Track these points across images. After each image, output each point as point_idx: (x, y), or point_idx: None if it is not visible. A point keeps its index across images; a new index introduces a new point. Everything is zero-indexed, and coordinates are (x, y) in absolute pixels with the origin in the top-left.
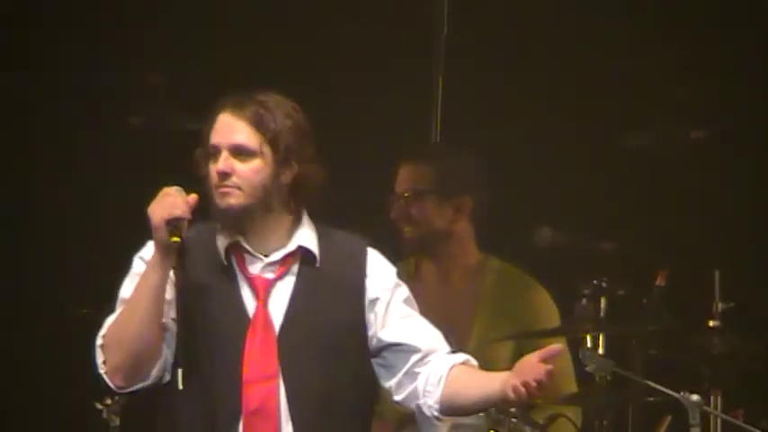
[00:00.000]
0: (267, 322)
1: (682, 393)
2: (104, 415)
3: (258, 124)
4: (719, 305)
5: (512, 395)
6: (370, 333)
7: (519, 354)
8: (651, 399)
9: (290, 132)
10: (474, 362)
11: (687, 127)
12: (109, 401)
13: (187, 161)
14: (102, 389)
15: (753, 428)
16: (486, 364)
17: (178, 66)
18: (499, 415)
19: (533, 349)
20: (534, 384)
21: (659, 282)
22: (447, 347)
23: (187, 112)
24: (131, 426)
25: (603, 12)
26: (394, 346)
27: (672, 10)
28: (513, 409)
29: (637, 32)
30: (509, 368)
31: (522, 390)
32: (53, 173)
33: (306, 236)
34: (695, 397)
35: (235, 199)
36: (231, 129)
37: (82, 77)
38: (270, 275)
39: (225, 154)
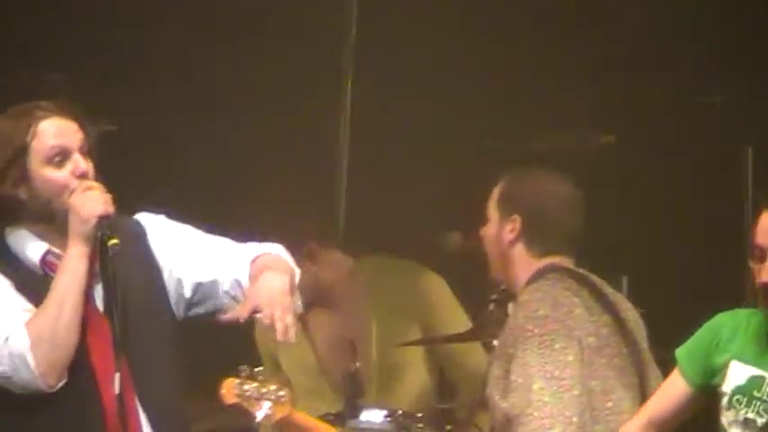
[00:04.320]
0: (100, 320)
1: None
2: None
3: (85, 130)
4: None
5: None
6: (181, 287)
7: (431, 353)
8: None
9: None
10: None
11: (596, 131)
12: None
13: None
14: None
15: None
16: (399, 369)
17: None
18: (406, 420)
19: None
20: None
21: None
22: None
23: None
24: None
25: (514, 15)
26: (200, 285)
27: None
28: (419, 415)
29: (546, 35)
30: (426, 369)
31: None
32: None
33: None
34: None
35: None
36: (71, 130)
37: None
38: None
39: (77, 155)
